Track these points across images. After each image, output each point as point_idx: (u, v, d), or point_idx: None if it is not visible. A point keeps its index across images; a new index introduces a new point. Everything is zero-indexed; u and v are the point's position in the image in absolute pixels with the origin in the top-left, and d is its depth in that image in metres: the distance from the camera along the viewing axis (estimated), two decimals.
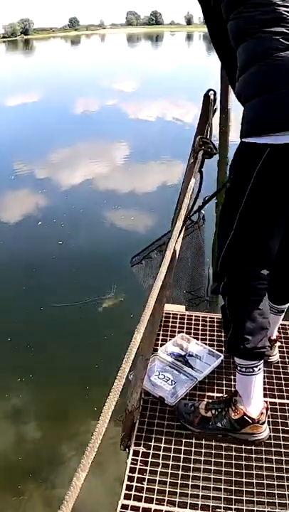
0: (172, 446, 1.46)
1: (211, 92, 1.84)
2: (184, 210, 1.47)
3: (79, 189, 6.17)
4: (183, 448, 1.46)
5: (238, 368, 1.44)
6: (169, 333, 2.02)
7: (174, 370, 1.77)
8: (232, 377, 1.74)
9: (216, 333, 2.00)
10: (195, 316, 2.12)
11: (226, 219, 1.34)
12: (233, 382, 1.70)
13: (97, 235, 4.77)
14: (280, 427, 1.53)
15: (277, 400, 1.65)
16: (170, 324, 2.07)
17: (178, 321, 2.10)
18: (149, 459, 1.42)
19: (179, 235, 1.59)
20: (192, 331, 2.02)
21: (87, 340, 3.12)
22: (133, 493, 1.32)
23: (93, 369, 2.83)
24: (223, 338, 1.89)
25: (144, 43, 55.94)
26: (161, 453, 1.44)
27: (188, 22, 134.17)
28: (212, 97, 1.84)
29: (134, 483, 1.35)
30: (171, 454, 1.44)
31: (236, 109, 1.84)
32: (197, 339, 1.95)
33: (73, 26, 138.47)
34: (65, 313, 3.42)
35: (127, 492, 1.33)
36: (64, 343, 3.12)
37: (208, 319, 2.10)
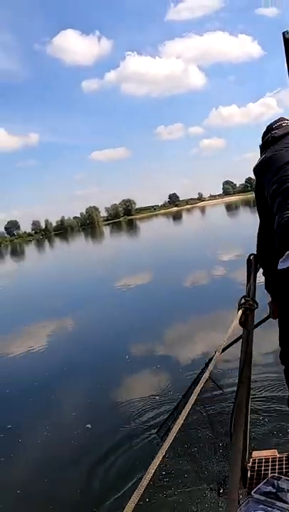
0: None
1: (252, 257, 2.24)
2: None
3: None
4: None
5: None
6: (262, 476, 2.16)
7: (267, 507, 1.90)
8: None
9: None
10: (285, 457, 2.26)
11: None
12: None
13: None
14: None
15: None
16: (263, 468, 2.23)
17: (270, 463, 2.25)
18: None
19: None
20: (284, 470, 2.15)
21: None
22: None
23: None
24: None
25: (242, 210, 56.32)
26: None
27: None
28: (253, 260, 2.24)
29: None
30: None
31: None
32: (287, 475, 2.07)
33: (173, 202, 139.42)
34: None
35: None
36: None
37: None
